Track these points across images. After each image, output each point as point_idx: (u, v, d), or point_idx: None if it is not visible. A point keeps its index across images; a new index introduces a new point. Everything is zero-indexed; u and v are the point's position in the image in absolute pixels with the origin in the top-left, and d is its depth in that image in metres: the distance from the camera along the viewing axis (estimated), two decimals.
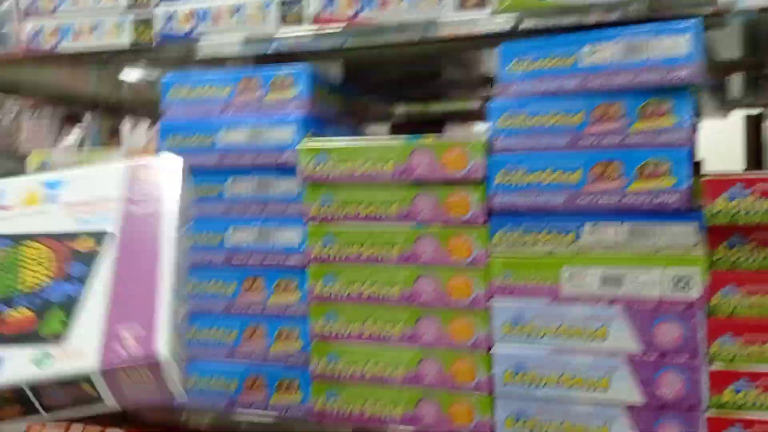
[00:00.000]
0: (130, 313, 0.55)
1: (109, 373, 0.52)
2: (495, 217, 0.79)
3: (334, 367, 0.87)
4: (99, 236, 0.62)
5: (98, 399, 0.53)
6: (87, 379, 0.52)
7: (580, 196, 0.76)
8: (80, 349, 0.53)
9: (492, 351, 0.80)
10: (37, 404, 0.53)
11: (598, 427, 0.76)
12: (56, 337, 0.54)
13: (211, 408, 0.93)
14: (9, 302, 0.57)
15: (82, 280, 0.58)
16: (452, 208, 0.80)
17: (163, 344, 0.53)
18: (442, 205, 0.80)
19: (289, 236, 0.88)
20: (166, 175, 0.69)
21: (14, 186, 0.69)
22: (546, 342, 0.78)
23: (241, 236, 0.91)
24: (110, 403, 0.54)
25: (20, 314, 0.56)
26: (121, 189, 0.67)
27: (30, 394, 0.52)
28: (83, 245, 0.62)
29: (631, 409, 0.75)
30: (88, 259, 0.60)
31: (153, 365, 0.52)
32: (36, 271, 0.60)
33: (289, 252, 0.88)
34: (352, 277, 0.85)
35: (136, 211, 0.65)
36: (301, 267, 0.88)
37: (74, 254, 0.61)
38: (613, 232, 0.76)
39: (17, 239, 0.63)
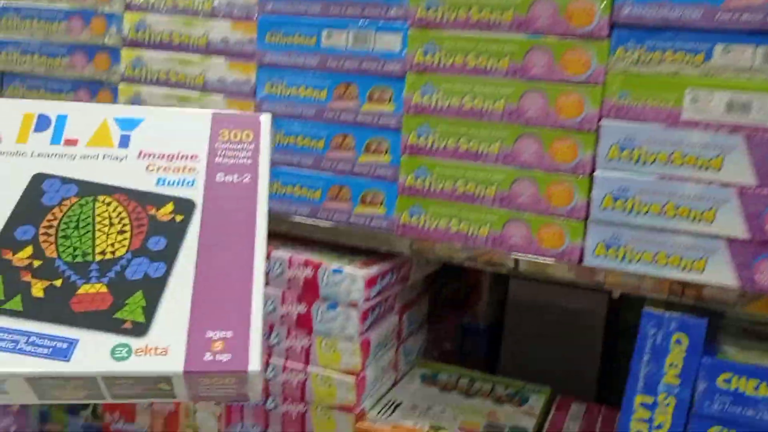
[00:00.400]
0: (220, 314, 0.49)
1: (191, 377, 0.48)
2: (619, 30, 0.74)
3: (423, 182, 0.85)
4: (183, 205, 0.55)
5: (170, 394, 0.50)
6: (166, 380, 0.48)
7: (717, 13, 0.70)
8: (164, 348, 0.48)
9: (594, 174, 0.77)
10: (105, 392, 0.49)
11: (694, 260, 0.74)
12: (137, 327, 0.48)
13: (293, 215, 0.93)
14: (82, 271, 0.51)
15: (164, 259, 0.52)
16: (573, 17, 0.75)
17: (254, 356, 0.48)
18: (562, 13, 0.75)
19: (389, 41, 0.84)
20: (255, 134, 0.60)
21: (81, 114, 0.59)
22: (654, 169, 0.74)
23: (336, 39, 0.87)
24: (182, 398, 0.50)
25: (95, 289, 0.50)
26: (206, 146, 0.59)
27: (102, 384, 0.48)
28: (165, 214, 0.54)
29: (733, 243, 0.72)
30: (170, 232, 0.53)
31: (241, 376, 0.48)
32: (111, 235, 0.53)
33: (388, 58, 0.84)
34: (453, 88, 0.81)
35: (223, 178, 0.57)
36: (399, 75, 0.84)
37: (154, 223, 0.54)
38: (747, 55, 0.70)
39: (89, 189, 0.55)
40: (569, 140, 0.77)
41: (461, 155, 0.82)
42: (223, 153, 0.58)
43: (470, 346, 1.30)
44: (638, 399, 0.79)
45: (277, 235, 0.98)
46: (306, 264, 0.91)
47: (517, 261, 0.84)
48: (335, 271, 0.89)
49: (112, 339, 0.47)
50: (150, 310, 0.49)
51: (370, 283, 0.89)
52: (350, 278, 0.88)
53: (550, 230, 0.80)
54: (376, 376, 0.97)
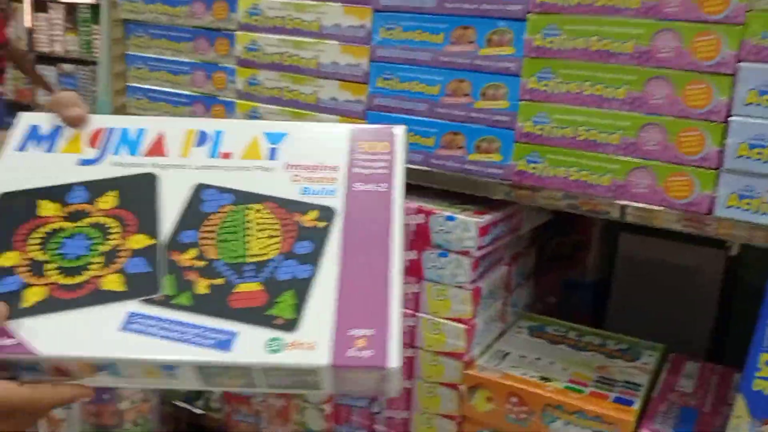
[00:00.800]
0: (362, 314, 0.53)
1: (337, 370, 0.51)
2: None
3: (542, 128, 0.83)
4: (326, 212, 0.59)
5: (316, 385, 0.53)
6: (314, 372, 0.52)
7: None
8: (312, 343, 0.52)
9: (729, 121, 0.72)
10: (259, 382, 0.53)
11: None
12: (288, 324, 0.53)
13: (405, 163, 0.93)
14: (239, 271, 0.56)
15: (310, 262, 0.56)
16: None
17: (394, 353, 0.51)
18: None
19: None
20: (391, 146, 0.63)
21: (235, 130, 0.65)
22: None
23: None
24: (327, 390, 0.54)
25: (250, 288, 0.55)
26: (345, 158, 0.62)
27: (257, 374, 0.53)
28: (309, 220, 0.58)
29: None
30: (315, 237, 0.57)
31: (382, 372, 0.51)
32: (263, 240, 0.57)
33: None
34: (578, 28, 0.78)
35: (362, 187, 0.60)
36: (520, 17, 0.82)
37: (301, 229, 0.58)
38: None
39: (243, 198, 0.60)
40: (703, 83, 0.73)
41: (584, 100, 0.80)
42: (361, 164, 0.62)
43: (575, 301, 1.28)
44: (763, 357, 0.75)
45: None
46: (418, 211, 0.91)
47: (623, 208, 0.80)
48: (448, 219, 0.89)
49: (266, 333, 0.52)
50: (299, 308, 0.53)
51: (484, 231, 0.88)
52: (463, 226, 0.88)
53: (678, 179, 0.76)
54: (485, 325, 0.97)
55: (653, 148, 0.77)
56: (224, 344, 0.52)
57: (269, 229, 0.58)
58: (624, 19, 0.75)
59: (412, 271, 0.93)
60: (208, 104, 1.10)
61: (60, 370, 0.53)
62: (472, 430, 0.94)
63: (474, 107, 0.87)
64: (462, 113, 0.88)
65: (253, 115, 1.04)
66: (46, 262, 0.56)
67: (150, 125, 0.64)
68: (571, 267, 1.28)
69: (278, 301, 0.54)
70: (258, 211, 0.59)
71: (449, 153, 0.89)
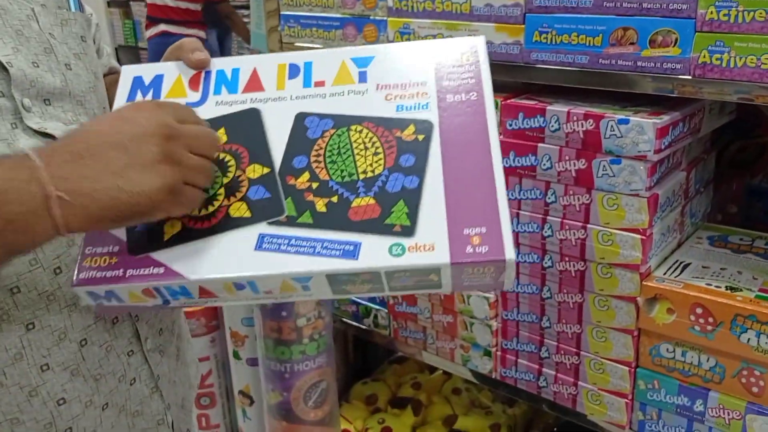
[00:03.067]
0: (472, 214, 0.55)
1: (457, 268, 0.54)
2: None
3: (728, 13, 0.74)
4: (423, 125, 0.61)
5: (437, 285, 0.57)
6: (436, 271, 0.55)
7: None
8: (431, 244, 0.55)
9: None
10: (385, 285, 0.57)
11: None
12: (405, 230, 0.56)
13: (570, 65, 0.87)
14: (352, 188, 0.59)
15: (415, 173, 0.58)
16: None
17: (508, 246, 0.53)
18: None
19: None
20: (474, 56, 0.65)
21: (323, 60, 0.67)
22: None
23: None
24: (446, 290, 0.57)
25: (365, 202, 0.58)
26: (432, 72, 0.64)
27: (384, 278, 0.56)
28: (408, 135, 0.61)
29: None
30: (416, 150, 0.60)
31: (499, 264, 0.53)
32: (368, 157, 0.60)
33: None
34: None
35: (453, 99, 0.62)
36: None
37: (401, 143, 0.60)
38: None
39: (343, 121, 0.63)
40: None
41: None
42: (448, 77, 0.64)
43: (759, 210, 1.18)
44: None
45: (549, 90, 0.94)
46: (586, 117, 0.86)
47: None
48: (621, 122, 0.83)
49: (387, 240, 0.56)
50: (413, 215, 0.56)
51: (662, 132, 0.82)
52: (639, 128, 0.82)
53: None
54: (662, 235, 0.91)
55: None
56: (351, 253, 0.55)
57: (372, 147, 0.61)
58: None
59: (581, 180, 0.89)
60: (360, 25, 1.10)
61: (205, 291, 0.58)
62: (651, 342, 0.90)
63: None
64: (634, 5, 0.81)
65: (405, 32, 1.03)
66: None
67: (242, 64, 0.68)
68: (755, 173, 1.17)
69: (392, 211, 0.57)
70: (359, 131, 0.62)
71: (620, 51, 0.83)
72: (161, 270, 0.57)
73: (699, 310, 0.84)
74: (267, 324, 1.15)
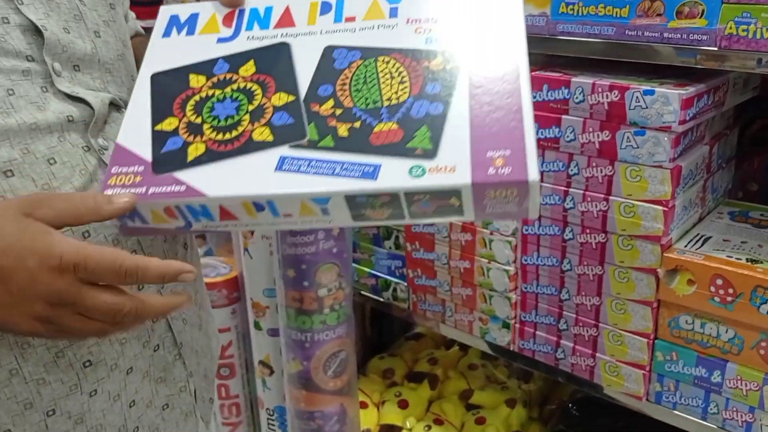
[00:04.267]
0: (497, 138, 0.55)
1: (478, 189, 0.53)
2: None
3: None
4: (450, 56, 0.61)
5: (459, 211, 0.56)
6: (456, 193, 0.54)
7: None
8: (452, 166, 0.54)
9: None
10: (405, 210, 0.56)
11: None
12: (427, 153, 0.55)
13: (596, 37, 0.88)
14: (375, 114, 0.59)
15: (441, 100, 0.58)
16: None
17: (532, 167, 0.53)
18: None
19: None
20: None
21: None
22: None
23: None
24: (468, 216, 0.56)
25: (387, 127, 0.58)
26: (462, 7, 0.64)
27: (404, 200, 0.55)
28: (436, 65, 0.61)
29: None
30: (443, 78, 0.60)
31: (522, 186, 0.53)
32: (394, 86, 0.60)
33: None
34: None
35: (483, 32, 0.62)
36: None
37: (428, 73, 0.60)
38: None
39: (370, 53, 0.63)
40: None
41: None
42: (479, 12, 0.63)
43: None
44: None
45: (574, 61, 0.95)
46: (611, 88, 0.87)
47: None
48: (646, 93, 0.84)
49: (407, 162, 0.56)
50: (435, 139, 0.56)
51: (687, 103, 0.83)
52: (664, 99, 0.83)
53: None
54: (684, 208, 0.92)
55: None
56: (370, 174, 0.55)
57: (399, 76, 0.61)
58: None
59: (605, 152, 0.90)
60: None
61: (226, 212, 0.58)
62: (671, 314, 0.91)
63: None
64: None
65: None
66: (202, 123, 0.62)
67: (276, 2, 0.69)
68: None
69: (415, 135, 0.57)
70: (386, 62, 0.62)
71: (647, 22, 0.83)
72: (183, 188, 0.58)
73: (719, 281, 0.85)
74: (289, 294, 1.17)
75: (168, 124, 0.62)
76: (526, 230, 1.03)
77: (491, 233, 1.07)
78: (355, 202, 0.56)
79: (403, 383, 1.47)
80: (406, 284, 1.24)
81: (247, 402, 1.49)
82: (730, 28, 0.78)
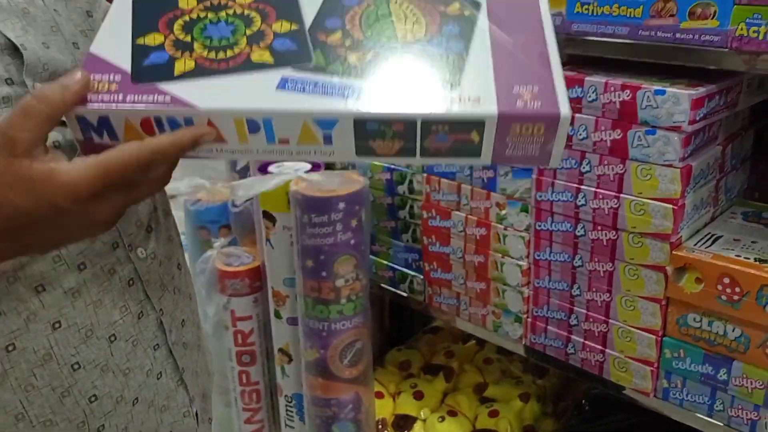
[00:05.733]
0: (523, 74, 0.51)
1: (504, 121, 0.50)
2: None
3: None
4: (469, 3, 0.57)
5: (476, 150, 0.52)
6: (479, 126, 0.50)
7: None
8: (476, 97, 0.50)
9: None
10: (417, 144, 0.52)
11: None
12: (447, 83, 0.52)
13: (610, 36, 0.90)
14: (390, 48, 0.55)
15: (460, 39, 0.55)
16: None
17: (563, 101, 0.50)
18: None
19: None
20: None
21: None
22: None
23: None
24: (485, 157, 0.52)
25: (403, 59, 0.54)
26: None
27: (419, 130, 0.51)
28: (454, 10, 0.57)
29: None
30: (462, 22, 0.56)
31: (552, 122, 0.49)
32: (408, 26, 0.56)
33: None
34: None
35: None
36: None
37: (445, 17, 0.57)
38: None
39: None
40: None
41: None
42: None
43: None
44: None
45: (589, 60, 0.96)
46: (623, 87, 0.89)
47: None
48: (657, 92, 0.85)
49: (426, 90, 0.51)
50: (457, 72, 0.52)
51: (697, 104, 0.84)
52: (674, 99, 0.84)
53: None
54: (695, 207, 0.93)
55: None
56: (383, 98, 0.51)
57: (412, 17, 0.57)
58: None
59: (616, 151, 0.92)
60: None
61: (214, 131, 0.52)
62: (679, 312, 0.93)
63: None
64: None
65: None
66: (192, 41, 0.55)
67: None
68: None
69: (434, 67, 0.53)
70: (399, 3, 0.57)
71: (660, 23, 0.85)
72: (167, 98, 0.51)
73: (726, 280, 0.86)
74: (307, 284, 1.21)
75: (151, 39, 0.55)
76: (539, 226, 1.05)
77: (505, 228, 1.09)
78: (364, 129, 0.51)
79: (419, 375, 1.49)
80: (422, 277, 1.27)
81: (267, 389, 1.52)
82: (742, 29, 0.79)
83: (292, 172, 1.28)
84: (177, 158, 0.52)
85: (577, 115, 0.94)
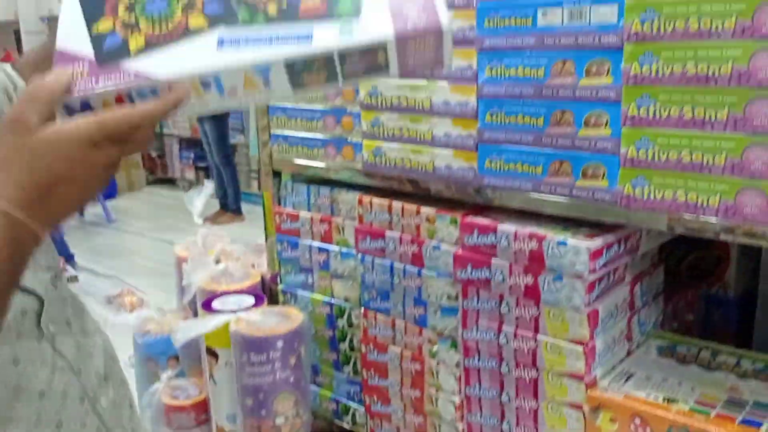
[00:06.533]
0: (410, 5, 0.62)
1: (401, 40, 0.61)
2: None
3: (646, 153, 0.84)
4: None
5: (386, 67, 0.63)
6: (383, 48, 0.62)
7: None
8: (375, 24, 0.62)
9: None
10: (339, 71, 0.63)
11: None
12: (350, 16, 0.62)
13: (517, 190, 0.97)
14: None
15: None
16: None
17: (444, 15, 0.62)
18: None
19: (605, 13, 0.84)
20: None
21: None
22: None
23: (552, 16, 0.88)
24: (393, 71, 0.64)
25: (312, 2, 0.64)
26: None
27: (337, 61, 0.62)
28: None
29: None
30: None
31: (437, 33, 0.61)
32: None
33: (604, 30, 0.84)
34: (674, 54, 0.79)
35: None
36: (616, 47, 0.84)
37: None
38: None
39: None
40: None
41: (686, 123, 0.80)
42: None
43: (717, 318, 1.24)
44: None
45: (504, 210, 1.03)
46: (531, 237, 0.95)
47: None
48: (560, 244, 0.92)
49: (336, 26, 0.62)
50: (356, 4, 0.63)
51: (596, 255, 0.90)
52: (575, 250, 0.91)
53: None
54: (607, 346, 0.98)
55: (760, 167, 0.75)
56: (305, 39, 0.62)
57: None
58: (720, 42, 0.75)
59: (530, 294, 0.97)
60: (339, 145, 1.21)
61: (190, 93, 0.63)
62: None
63: (578, 135, 0.89)
64: (567, 142, 0.91)
65: (377, 153, 1.14)
66: (137, 20, 0.66)
67: None
68: (713, 282, 1.24)
69: (338, 2, 0.63)
70: None
71: (558, 180, 0.92)
72: (131, 74, 0.63)
73: (637, 421, 0.90)
74: (248, 422, 1.22)
75: (103, 26, 0.66)
76: (468, 363, 1.08)
77: (438, 363, 1.13)
78: (294, 68, 0.62)
79: None
80: (364, 410, 1.28)
81: None
82: (628, 189, 0.86)
83: (235, 308, 1.31)
84: (159, 120, 0.63)
85: (493, 259, 1.00)
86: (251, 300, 1.36)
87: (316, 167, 1.27)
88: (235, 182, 5.26)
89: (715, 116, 0.77)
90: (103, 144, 0.58)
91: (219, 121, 5.09)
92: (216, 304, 1.35)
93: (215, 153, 5.21)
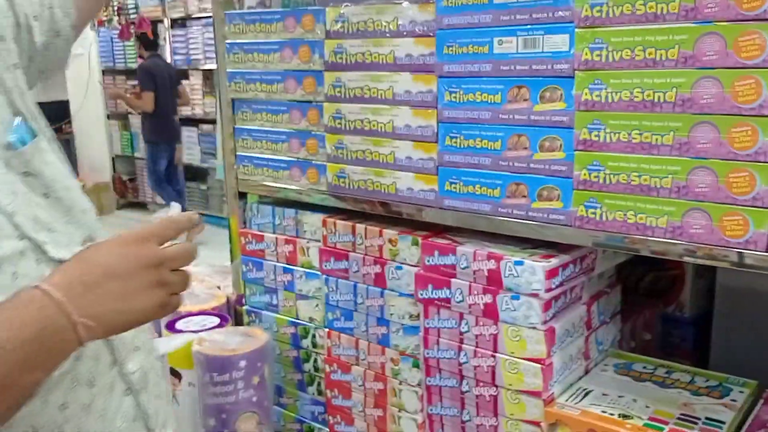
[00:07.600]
0: None
1: None
2: None
3: (597, 175, 0.87)
4: None
5: None
6: None
7: None
8: None
9: None
10: None
11: None
12: None
13: (476, 212, 1.00)
14: None
15: None
16: (743, 1, 0.72)
17: None
18: None
19: (557, 42, 0.87)
20: None
21: None
22: None
23: (507, 45, 0.92)
24: None
25: None
26: None
27: None
28: None
29: None
30: None
31: None
32: None
33: (556, 58, 0.88)
34: (622, 82, 0.82)
35: None
36: (568, 74, 0.87)
37: None
38: None
39: None
40: (747, 126, 0.75)
41: (634, 148, 0.83)
42: None
43: (674, 337, 1.27)
44: None
45: (463, 231, 1.06)
46: (489, 257, 0.98)
47: (741, 254, 0.78)
48: (517, 263, 0.94)
49: None
50: None
51: (551, 274, 0.93)
52: (531, 270, 0.93)
53: (733, 219, 0.78)
54: (564, 364, 1.00)
55: (705, 190, 0.79)
56: None
57: None
58: (664, 71, 0.79)
59: (489, 313, 0.99)
60: (304, 167, 1.23)
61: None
62: None
63: (534, 159, 0.92)
64: (523, 165, 0.94)
65: (341, 175, 1.16)
66: None
67: None
68: (669, 302, 1.27)
69: None
70: None
71: (514, 202, 0.95)
72: None
73: None
74: None
75: None
76: (429, 381, 1.10)
77: (400, 383, 1.14)
78: None
79: None
80: (328, 430, 1.29)
81: None
82: (581, 210, 0.89)
83: (198, 329, 1.32)
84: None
85: (453, 279, 1.02)
86: (215, 320, 1.36)
87: (287, 189, 1.28)
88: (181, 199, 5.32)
89: (662, 141, 0.81)
90: (147, 243, 0.66)
91: (151, 145, 5.21)
92: (180, 324, 1.35)
93: (147, 176, 5.32)
